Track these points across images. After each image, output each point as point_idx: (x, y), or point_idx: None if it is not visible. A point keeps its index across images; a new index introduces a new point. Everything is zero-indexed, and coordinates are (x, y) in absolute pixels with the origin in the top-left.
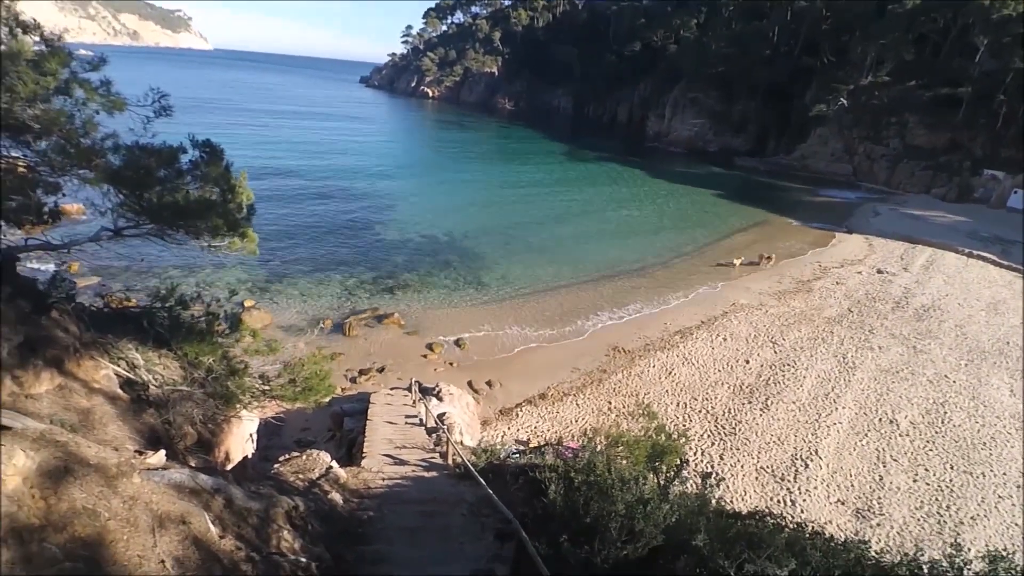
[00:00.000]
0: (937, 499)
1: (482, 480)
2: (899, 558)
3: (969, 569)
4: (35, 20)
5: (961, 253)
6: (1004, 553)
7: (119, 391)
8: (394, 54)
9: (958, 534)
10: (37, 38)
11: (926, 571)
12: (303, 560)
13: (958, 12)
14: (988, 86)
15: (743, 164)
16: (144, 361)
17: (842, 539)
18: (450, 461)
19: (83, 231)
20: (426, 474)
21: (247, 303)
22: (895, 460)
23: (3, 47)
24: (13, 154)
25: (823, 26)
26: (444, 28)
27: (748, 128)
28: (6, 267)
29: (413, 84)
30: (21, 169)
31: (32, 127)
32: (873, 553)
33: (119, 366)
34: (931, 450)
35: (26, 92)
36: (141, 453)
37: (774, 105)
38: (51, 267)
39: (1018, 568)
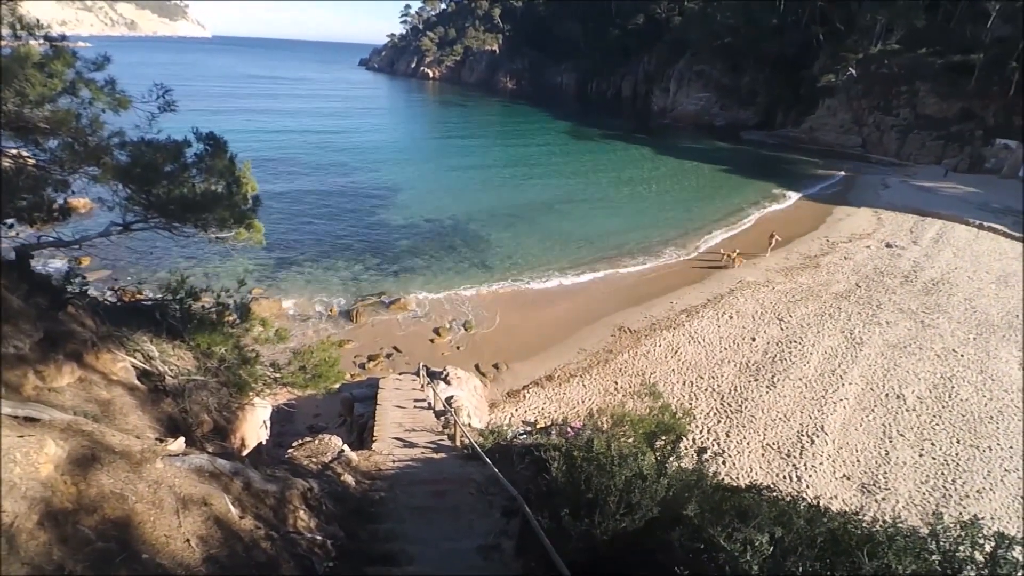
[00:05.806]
0: (943, 473)
1: (489, 460)
2: (880, 525)
3: (948, 534)
4: (38, 20)
5: (972, 225)
6: (976, 519)
7: (137, 382)
8: (393, 35)
9: (963, 507)
10: (42, 39)
11: (904, 537)
12: (319, 538)
13: None
14: (1001, 52)
15: (750, 138)
16: (159, 352)
17: (835, 510)
18: (458, 443)
19: (92, 226)
20: (435, 456)
21: (255, 291)
22: (901, 435)
23: (10, 50)
24: (23, 152)
25: None
26: (443, 6)
27: (756, 101)
28: (22, 264)
29: (413, 65)
30: (31, 167)
31: (41, 128)
32: (865, 524)
33: (135, 358)
34: (938, 424)
35: (35, 95)
36: (162, 440)
37: (782, 77)
38: (63, 263)
39: (987, 533)
